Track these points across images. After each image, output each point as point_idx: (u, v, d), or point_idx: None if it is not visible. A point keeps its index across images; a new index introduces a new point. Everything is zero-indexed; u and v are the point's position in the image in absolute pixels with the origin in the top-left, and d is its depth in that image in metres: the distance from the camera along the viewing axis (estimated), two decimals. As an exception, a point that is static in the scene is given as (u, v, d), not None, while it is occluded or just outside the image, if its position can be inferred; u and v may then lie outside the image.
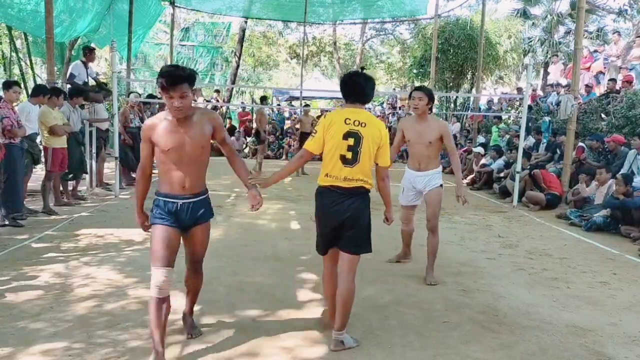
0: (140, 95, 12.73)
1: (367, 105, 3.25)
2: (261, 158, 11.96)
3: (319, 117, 6.62)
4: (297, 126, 13.08)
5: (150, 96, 11.77)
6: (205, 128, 2.83)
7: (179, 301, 3.38)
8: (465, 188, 4.30)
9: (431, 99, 4.31)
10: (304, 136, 11.85)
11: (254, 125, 12.68)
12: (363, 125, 3.03)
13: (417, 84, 22.03)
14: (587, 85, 11.93)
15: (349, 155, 3.01)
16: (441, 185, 4.48)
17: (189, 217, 2.88)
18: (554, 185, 8.44)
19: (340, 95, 3.29)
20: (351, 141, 3.01)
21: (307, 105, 15.85)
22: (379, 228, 6.28)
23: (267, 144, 16.24)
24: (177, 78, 2.66)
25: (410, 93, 4.43)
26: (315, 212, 3.18)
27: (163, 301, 2.77)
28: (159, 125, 2.79)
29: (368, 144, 3.03)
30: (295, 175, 11.63)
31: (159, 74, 2.69)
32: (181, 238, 2.93)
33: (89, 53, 9.54)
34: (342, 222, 3.04)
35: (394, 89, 25.95)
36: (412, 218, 4.80)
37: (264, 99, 14.43)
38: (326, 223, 3.10)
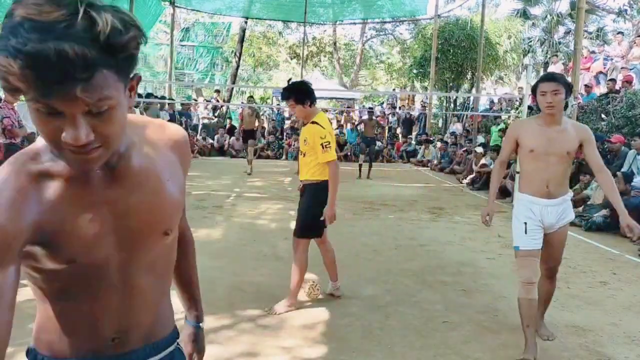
0: (141, 96, 12.73)
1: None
2: (251, 156, 11.89)
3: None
4: (296, 125, 12.99)
5: (149, 95, 11.76)
6: (168, 189, 0.99)
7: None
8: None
9: (569, 90, 2.97)
10: None
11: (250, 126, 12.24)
12: None
13: (417, 84, 22.03)
14: (586, 86, 11.94)
15: None
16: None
17: None
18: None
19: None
20: None
21: None
22: (378, 228, 6.33)
23: (267, 144, 16.28)
24: (63, 58, 0.67)
25: (536, 85, 2.99)
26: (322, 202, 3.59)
27: None
28: (43, 196, 0.86)
29: None
30: (295, 174, 11.65)
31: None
32: None
33: None
34: None
35: (394, 89, 25.95)
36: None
37: (250, 98, 14.33)
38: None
